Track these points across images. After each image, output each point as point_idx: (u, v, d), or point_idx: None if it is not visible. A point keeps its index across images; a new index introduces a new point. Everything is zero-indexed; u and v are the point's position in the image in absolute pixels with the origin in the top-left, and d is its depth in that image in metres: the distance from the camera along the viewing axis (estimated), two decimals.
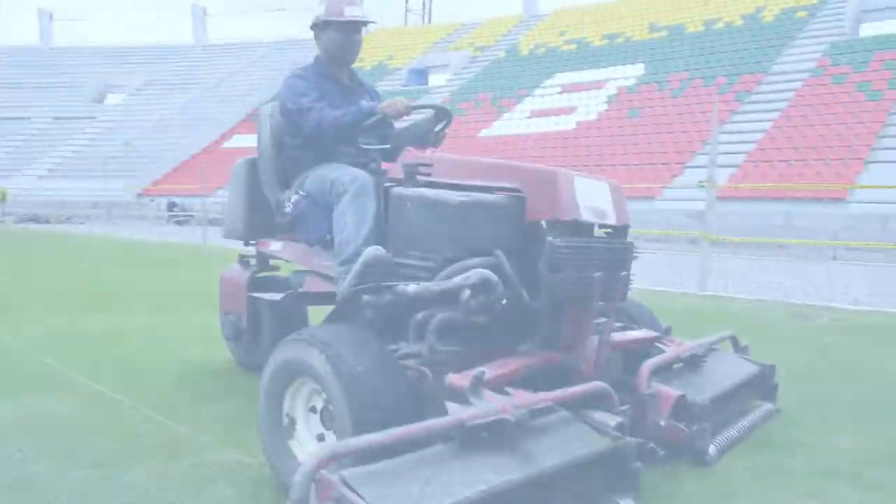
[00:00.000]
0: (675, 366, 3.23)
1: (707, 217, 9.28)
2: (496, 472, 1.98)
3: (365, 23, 3.57)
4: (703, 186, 9.45)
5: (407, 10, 57.01)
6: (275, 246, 3.76)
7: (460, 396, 2.21)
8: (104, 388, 3.76)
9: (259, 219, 3.79)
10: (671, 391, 2.80)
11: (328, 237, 3.23)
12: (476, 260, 2.65)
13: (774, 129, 23.47)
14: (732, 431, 3.01)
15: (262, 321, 4.07)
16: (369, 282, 2.73)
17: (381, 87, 39.30)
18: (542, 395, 2.31)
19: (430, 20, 55.99)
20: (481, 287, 2.52)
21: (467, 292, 2.50)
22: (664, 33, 35.17)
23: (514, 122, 31.32)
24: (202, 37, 52.96)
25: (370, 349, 2.40)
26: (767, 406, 3.43)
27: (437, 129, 3.55)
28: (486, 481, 1.93)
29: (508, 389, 2.32)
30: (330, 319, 2.81)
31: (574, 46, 37.76)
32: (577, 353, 2.77)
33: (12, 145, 42.04)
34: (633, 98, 29.83)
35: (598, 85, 32.01)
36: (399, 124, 3.52)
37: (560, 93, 32.84)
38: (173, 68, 48.84)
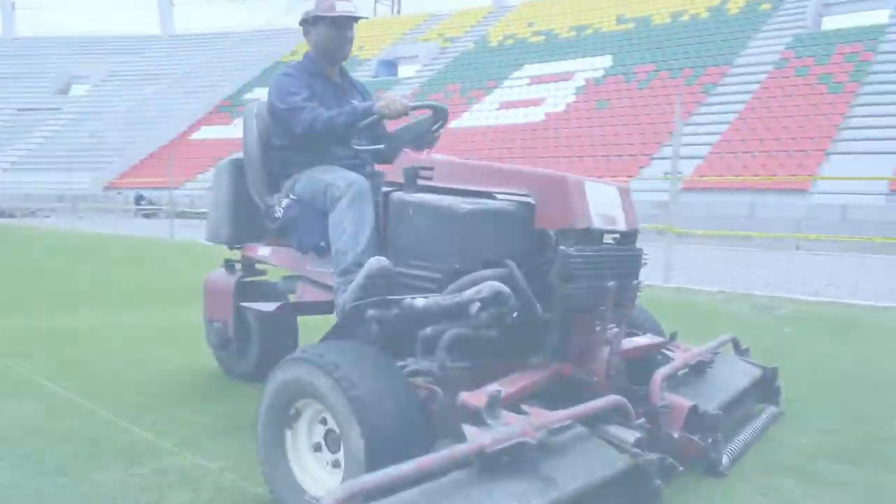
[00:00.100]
0: (680, 372, 3.15)
1: (671, 209, 9.41)
2: (518, 499, 1.90)
3: (356, 18, 3.45)
4: (679, 178, 9.57)
5: (376, 1, 56.67)
6: (263, 251, 3.64)
7: (476, 417, 2.11)
8: (64, 390, 3.75)
9: (245, 222, 3.65)
10: (684, 401, 2.71)
11: (322, 244, 3.11)
12: (487, 272, 2.53)
13: (739, 121, 23.77)
14: (741, 438, 2.97)
15: (249, 328, 3.94)
16: (373, 295, 2.62)
17: None
18: (561, 413, 2.22)
19: (399, 10, 55.72)
20: (493, 300, 2.41)
21: (477, 306, 2.40)
22: (631, 25, 35.36)
23: (484, 114, 31.33)
24: (169, 26, 52.16)
25: (380, 369, 2.29)
26: (771, 409, 3.40)
27: (433, 129, 3.42)
28: None
29: (524, 407, 2.24)
30: (332, 335, 2.67)
31: (542, 38, 37.83)
32: (588, 365, 2.69)
33: None
34: (600, 90, 29.99)
35: (566, 76, 32.12)
36: (392, 125, 3.41)
37: (529, 84, 32.91)
38: (139, 59, 48.06)
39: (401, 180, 2.97)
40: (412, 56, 42.26)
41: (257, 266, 3.94)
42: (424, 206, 2.72)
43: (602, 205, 2.69)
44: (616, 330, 2.71)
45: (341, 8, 3.35)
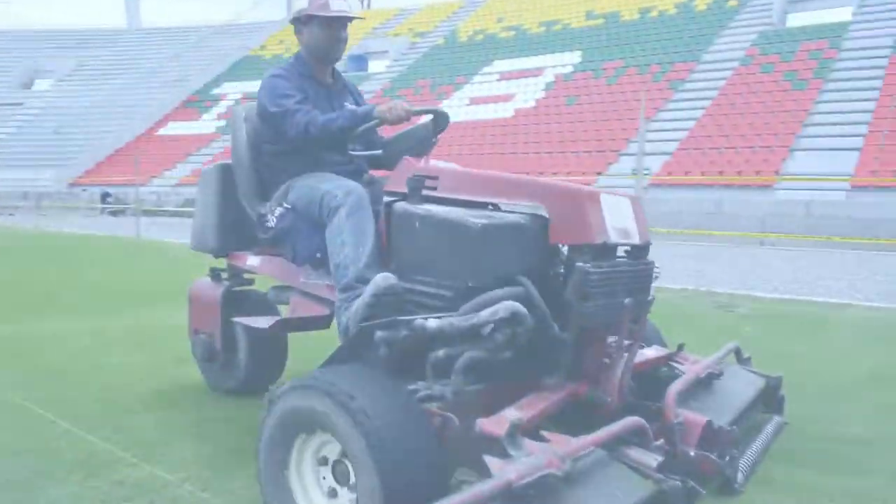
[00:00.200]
0: None
1: None
2: None
3: (351, 18, 3.29)
4: (643, 176, 9.67)
5: None
6: (252, 260, 3.49)
7: (496, 447, 2.00)
8: (22, 400, 3.70)
9: (233, 230, 3.52)
10: (698, 417, 2.59)
11: (318, 255, 2.96)
12: (502, 291, 2.40)
13: (706, 117, 24.03)
14: (752, 452, 2.88)
15: (237, 341, 3.75)
16: (380, 314, 2.47)
17: None
18: (584, 440, 2.09)
19: (369, 5, 55.47)
20: (510, 321, 2.28)
21: (490, 327, 2.27)
22: (600, 21, 35.57)
23: (454, 110, 31.27)
24: (135, 20, 51.43)
25: (396, 399, 2.15)
26: (777, 419, 3.32)
27: (434, 136, 3.29)
28: None
29: (544, 434, 2.14)
30: (338, 358, 2.48)
31: (512, 33, 37.92)
32: (602, 384, 2.59)
33: None
34: (569, 86, 30.14)
35: (535, 73, 32.24)
36: (389, 130, 3.25)
37: (498, 80, 32.99)
38: (105, 52, 47.34)
39: (401, 189, 2.82)
40: (382, 51, 42.12)
41: (245, 275, 3.79)
42: (433, 220, 2.58)
43: (616, 217, 2.58)
44: (630, 346, 2.62)
45: (336, 7, 3.21)
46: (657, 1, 35.06)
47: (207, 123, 38.25)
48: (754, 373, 3.49)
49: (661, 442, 2.33)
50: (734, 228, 16.81)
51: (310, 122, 2.99)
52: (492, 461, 1.90)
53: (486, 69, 34.49)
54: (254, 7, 53.32)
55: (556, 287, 2.53)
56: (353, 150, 3.09)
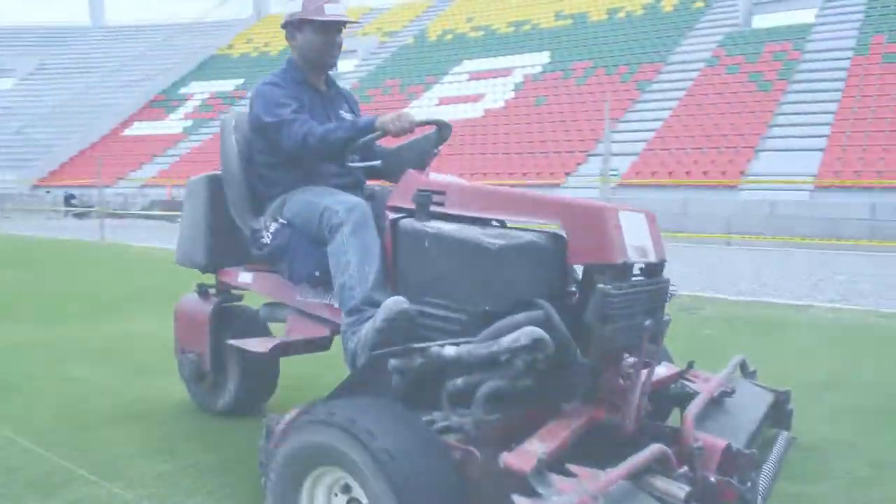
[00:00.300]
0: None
1: None
2: None
3: (346, 22, 3.15)
4: (609, 181, 9.75)
5: None
6: (244, 277, 3.34)
7: (523, 484, 1.91)
8: None
9: (223, 245, 3.39)
10: (717, 441, 2.48)
11: (317, 273, 2.82)
12: (522, 316, 2.27)
13: (673, 118, 24.26)
14: (767, 474, 2.76)
15: (226, 360, 3.57)
16: (392, 341, 2.35)
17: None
18: (612, 474, 1.99)
19: None
20: (532, 348, 2.14)
21: (507, 355, 2.15)
22: (569, 21, 35.74)
23: (423, 110, 31.24)
24: (100, 18, 50.61)
25: (417, 435, 2.05)
26: (785, 434, 3.25)
27: (437, 148, 3.14)
28: None
29: (571, 467, 2.03)
30: (349, 388, 2.34)
31: (481, 33, 37.96)
32: (620, 408, 2.47)
33: None
34: (538, 86, 30.24)
35: (504, 73, 32.31)
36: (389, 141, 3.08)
37: (468, 80, 33.00)
38: (69, 51, 46.58)
39: (406, 204, 2.69)
40: (351, 50, 41.84)
41: (233, 291, 3.65)
42: (445, 239, 2.44)
43: (634, 235, 2.46)
44: (647, 369, 2.53)
45: (331, 11, 3.06)
46: (625, 2, 35.31)
47: (174, 123, 37.78)
48: (761, 387, 3.41)
49: (685, 469, 2.21)
50: (700, 229, 17.03)
51: (308, 134, 2.85)
52: (522, 501, 1.82)
53: (455, 69, 34.50)
54: (220, 5, 52.88)
55: (571, 309, 2.43)
56: (350, 162, 2.98)
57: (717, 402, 2.94)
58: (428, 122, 3.12)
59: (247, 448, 3.21)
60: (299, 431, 2.13)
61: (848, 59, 24.00)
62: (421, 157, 3.07)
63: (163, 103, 40.35)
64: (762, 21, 30.65)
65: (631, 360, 2.54)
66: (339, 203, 2.74)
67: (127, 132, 38.01)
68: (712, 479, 2.37)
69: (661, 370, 3.04)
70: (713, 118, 23.12)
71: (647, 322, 2.41)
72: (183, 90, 41.19)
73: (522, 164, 23.98)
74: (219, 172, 3.36)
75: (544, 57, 32.63)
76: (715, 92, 24.87)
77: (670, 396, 3.02)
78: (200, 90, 40.24)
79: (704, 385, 3.02)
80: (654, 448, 2.16)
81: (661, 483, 2.08)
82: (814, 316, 6.90)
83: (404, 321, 2.39)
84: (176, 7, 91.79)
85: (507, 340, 2.15)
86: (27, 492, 2.75)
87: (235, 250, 3.34)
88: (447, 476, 2.01)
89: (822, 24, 27.35)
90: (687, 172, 20.34)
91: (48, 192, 32.68)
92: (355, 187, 3.13)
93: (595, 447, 2.33)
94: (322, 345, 3.00)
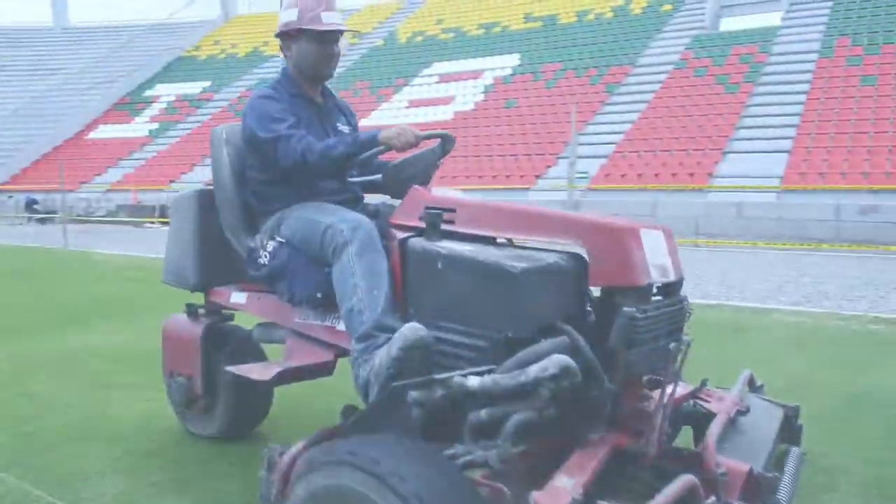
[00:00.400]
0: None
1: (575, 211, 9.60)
2: None
3: (343, 32, 3.05)
4: (575, 186, 9.77)
5: None
6: (237, 297, 3.20)
7: None
8: None
9: (213, 264, 3.24)
10: (739, 465, 2.36)
11: (319, 295, 2.67)
12: (549, 343, 2.16)
13: (642, 120, 24.44)
14: (784, 495, 2.62)
15: (217, 383, 3.38)
16: (408, 370, 2.23)
17: (257, 75, 38.36)
18: None
19: None
20: (560, 377, 2.04)
21: (534, 385, 2.05)
22: (539, 24, 35.92)
23: (393, 112, 31.23)
24: (62, 18, 49.83)
25: (447, 476, 1.90)
26: (796, 451, 3.10)
27: (440, 161, 3.02)
28: None
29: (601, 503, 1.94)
30: (367, 423, 2.17)
31: (452, 35, 38.01)
32: (645, 435, 2.35)
33: None
34: (508, 88, 30.34)
35: (475, 75, 32.37)
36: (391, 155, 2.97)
37: (438, 82, 33.01)
38: (30, 52, 45.78)
39: (412, 222, 2.58)
40: None
41: (223, 311, 3.47)
42: (460, 260, 2.32)
43: (655, 254, 2.36)
44: (668, 392, 2.41)
45: (328, 20, 2.94)
46: (594, 4, 35.58)
47: (140, 126, 37.34)
48: (770, 402, 3.31)
49: (713, 501, 2.10)
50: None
51: (306, 150, 2.71)
52: None
53: (425, 71, 34.49)
54: (187, 6, 52.33)
55: (589, 332, 2.32)
56: (350, 177, 2.88)
57: (732, 422, 2.83)
58: (432, 136, 2.99)
59: (206, 467, 3.18)
60: (317, 472, 1.96)
61: (813, 61, 24.36)
62: (425, 170, 2.96)
63: (128, 106, 39.87)
64: (729, 24, 31.03)
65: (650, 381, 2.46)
66: (342, 221, 2.60)
67: (91, 135, 37.49)
68: None
69: (677, 389, 2.99)
70: (681, 120, 23.33)
71: (672, 345, 2.32)
72: (148, 92, 40.72)
73: (492, 167, 24.02)
74: (208, 188, 3.23)
75: (514, 59, 32.75)
76: (683, 94, 25.11)
77: (682, 415, 2.93)
78: (167, 92, 39.82)
79: (719, 404, 2.90)
80: (686, 480, 2.06)
81: None
82: (777, 320, 6.92)
83: (422, 349, 2.27)
84: (141, 7, 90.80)
85: (534, 369, 2.03)
86: None
87: (226, 269, 3.21)
88: None
89: (788, 26, 27.76)
90: (656, 175, 20.52)
91: (10, 196, 32.08)
92: (354, 203, 3.02)
93: (611, 474, 2.23)
94: (326, 370, 2.85)
